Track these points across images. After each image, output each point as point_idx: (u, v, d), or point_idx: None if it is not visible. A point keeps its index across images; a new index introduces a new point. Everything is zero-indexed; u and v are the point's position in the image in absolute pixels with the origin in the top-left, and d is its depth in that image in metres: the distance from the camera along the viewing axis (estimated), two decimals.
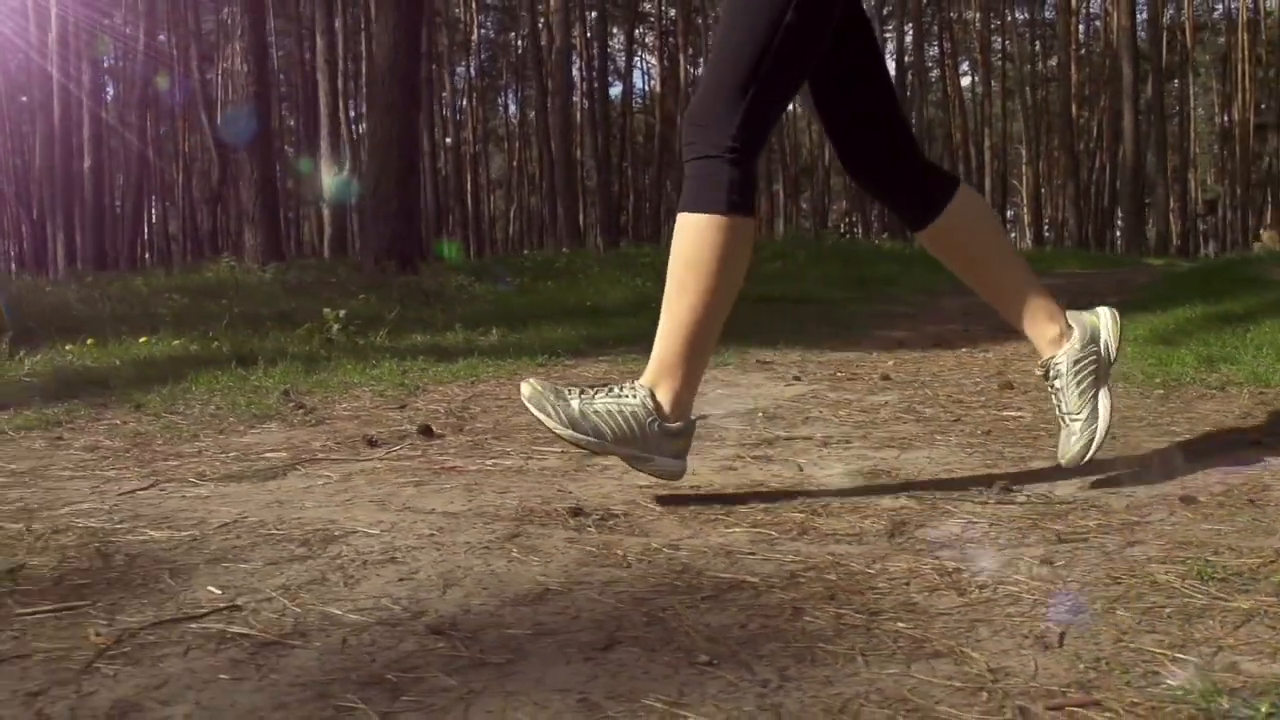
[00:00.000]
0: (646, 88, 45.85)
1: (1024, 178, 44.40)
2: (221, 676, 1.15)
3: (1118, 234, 33.30)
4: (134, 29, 30.87)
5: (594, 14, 33.37)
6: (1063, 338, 2.15)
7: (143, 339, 5.26)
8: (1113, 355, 2.17)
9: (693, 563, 1.60)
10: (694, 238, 1.94)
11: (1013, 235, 40.97)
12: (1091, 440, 2.10)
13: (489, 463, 2.41)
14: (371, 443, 2.70)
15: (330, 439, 2.81)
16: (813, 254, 11.12)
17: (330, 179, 18.11)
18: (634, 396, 1.93)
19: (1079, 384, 2.13)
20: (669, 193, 38.75)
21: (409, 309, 7.07)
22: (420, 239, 9.31)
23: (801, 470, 2.32)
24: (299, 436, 2.89)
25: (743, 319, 6.42)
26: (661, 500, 1.99)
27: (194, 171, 41.45)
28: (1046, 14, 41.37)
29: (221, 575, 1.53)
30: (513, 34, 44.57)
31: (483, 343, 5.11)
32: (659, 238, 37.10)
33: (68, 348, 5.20)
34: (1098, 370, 2.14)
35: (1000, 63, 40.32)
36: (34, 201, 30.31)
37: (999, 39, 41.63)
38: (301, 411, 3.27)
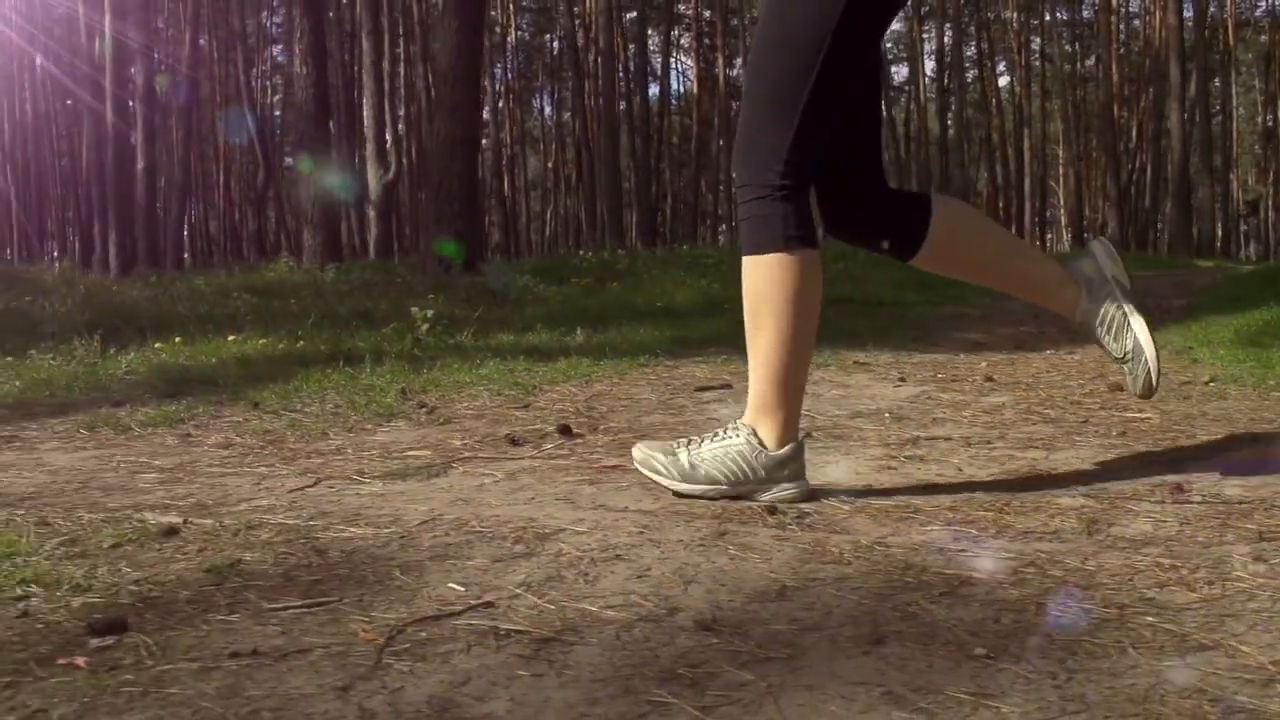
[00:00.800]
0: (682, 89, 45.88)
1: (1061, 179, 44.07)
2: (520, 673, 1.17)
3: (1158, 235, 32.99)
4: (178, 31, 31.25)
5: (630, 15, 33.44)
6: (1079, 298, 2.16)
7: (231, 337, 5.31)
8: (1125, 283, 2.16)
9: (910, 559, 1.61)
10: (760, 279, 1.95)
11: (1049, 238, 40.64)
12: (1150, 371, 2.11)
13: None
14: (514, 441, 2.72)
15: (467, 438, 2.83)
16: (873, 255, 11.07)
17: (376, 180, 18.21)
18: (737, 436, 1.98)
19: (1111, 331, 2.14)
20: (704, 194, 38.73)
21: (478, 308, 7.10)
22: (482, 240, 9.35)
23: (961, 470, 2.32)
24: (432, 435, 2.91)
25: (825, 320, 6.42)
26: (845, 497, 2.00)
27: (232, 173, 41.86)
28: (1084, 14, 41.04)
29: (454, 572, 1.54)
30: (548, 35, 44.70)
31: (571, 343, 5.13)
32: (695, 238, 37.08)
33: (157, 345, 5.27)
34: (1120, 308, 2.13)
35: (1039, 63, 40.01)
36: (81, 202, 30.74)
37: (1037, 39, 41.33)
38: (424, 410, 3.30)
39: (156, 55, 16.68)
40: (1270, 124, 41.12)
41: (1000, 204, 38.43)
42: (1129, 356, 2.12)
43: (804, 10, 1.91)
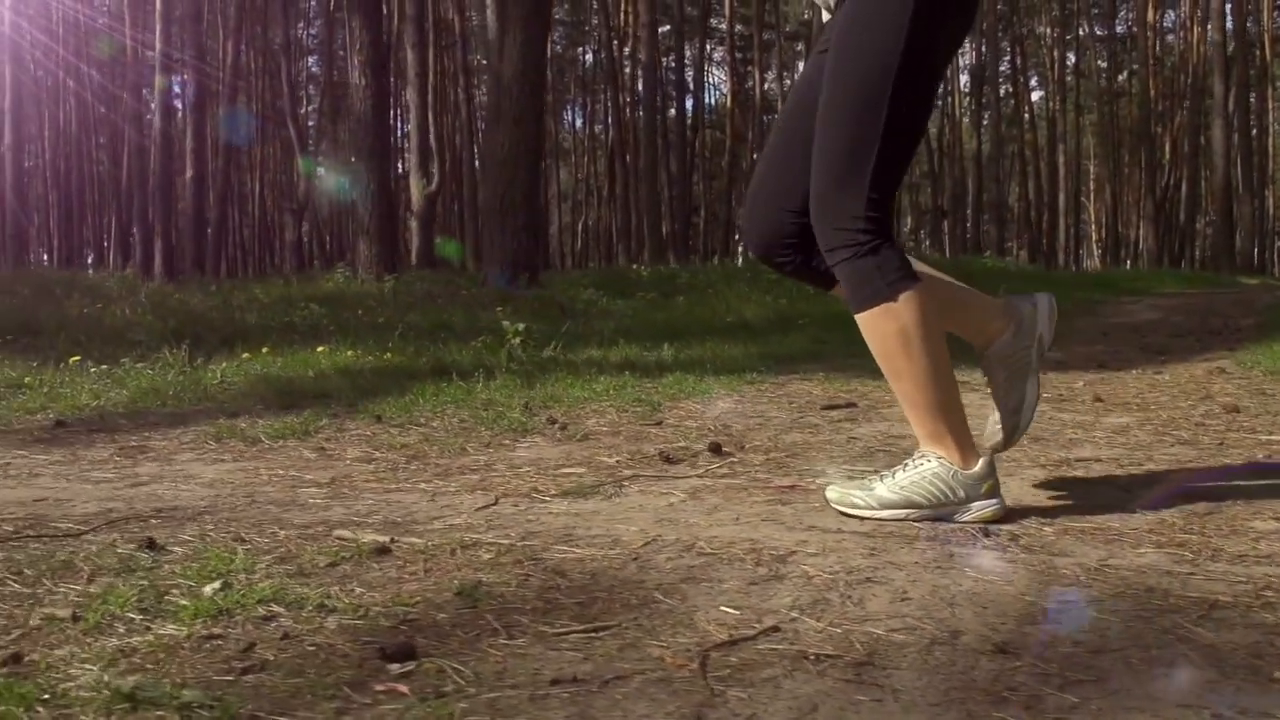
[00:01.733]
0: (714, 103, 45.92)
1: (1090, 195, 43.84)
2: (859, 698, 1.17)
3: (1195, 251, 32.74)
4: (214, 43, 31.53)
5: (663, 28, 33.49)
6: (1004, 332, 2.18)
7: (320, 349, 5.32)
8: (1047, 343, 2.21)
9: (1145, 582, 1.62)
10: (876, 333, 1.99)
11: (1081, 253, 40.35)
12: (1018, 429, 2.17)
13: (818, 481, 2.40)
14: (668, 459, 2.72)
15: (616, 455, 2.82)
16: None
17: (419, 191, 18.28)
18: (928, 461, 2.00)
19: (1010, 376, 2.17)
20: (735, 207, 38.77)
21: (552, 321, 7.10)
22: (544, 252, 9.34)
23: (1129, 491, 2.30)
24: (577, 452, 2.91)
25: None
26: (1039, 519, 2.00)
27: (265, 181, 42.11)
28: (1118, 29, 40.82)
29: (715, 596, 1.54)
30: (580, 48, 44.83)
31: (661, 358, 5.12)
32: (727, 252, 37.04)
33: (245, 355, 5.28)
34: (1030, 363, 2.18)
35: (1074, 79, 39.83)
36: (122, 210, 30.98)
37: (1070, 54, 41.15)
38: (557, 426, 3.29)
39: (206, 65, 16.77)
40: None
41: (1032, 219, 38.22)
42: (1008, 407, 2.15)
43: (865, 70, 1.94)
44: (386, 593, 1.60)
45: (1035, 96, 42.46)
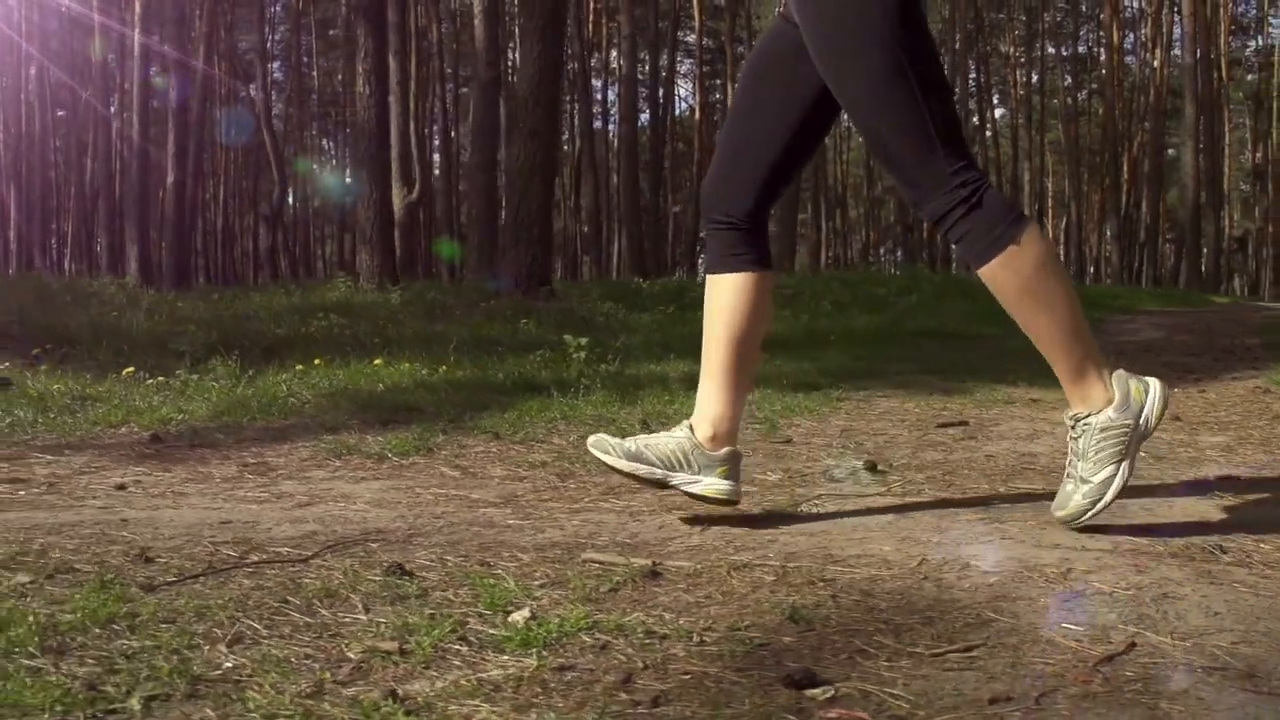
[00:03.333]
0: (679, 115, 46.04)
1: (1050, 213, 44.48)
2: None
3: (1157, 271, 33.30)
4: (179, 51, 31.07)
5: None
6: (714, 443, 2.17)
7: (377, 361, 5.24)
8: (683, 487, 2.18)
9: None
10: (1008, 279, 1.97)
11: None
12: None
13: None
14: (831, 478, 2.69)
15: (771, 473, 2.80)
16: (938, 288, 11.16)
17: (400, 200, 18.12)
18: (1096, 417, 1.97)
19: (668, 455, 2.17)
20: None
21: (575, 334, 7.06)
22: (552, 265, 9.30)
23: None
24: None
25: (942, 355, 6.41)
26: (1248, 535, 2.00)
27: (229, 188, 41.52)
28: (1080, 48, 41.54)
29: (1043, 613, 1.55)
30: None
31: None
32: (693, 266, 37.11)
33: (298, 366, 5.19)
34: (670, 467, 2.16)
35: (1039, 97, 40.42)
36: (82, 216, 30.41)
37: (1031, 73, 41.79)
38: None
39: (192, 69, 16.54)
40: (1258, 161, 41.66)
41: None
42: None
43: (866, 52, 1.94)
44: (698, 617, 1.56)
45: (998, 114, 43.06)
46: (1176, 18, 35.28)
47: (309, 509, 2.42)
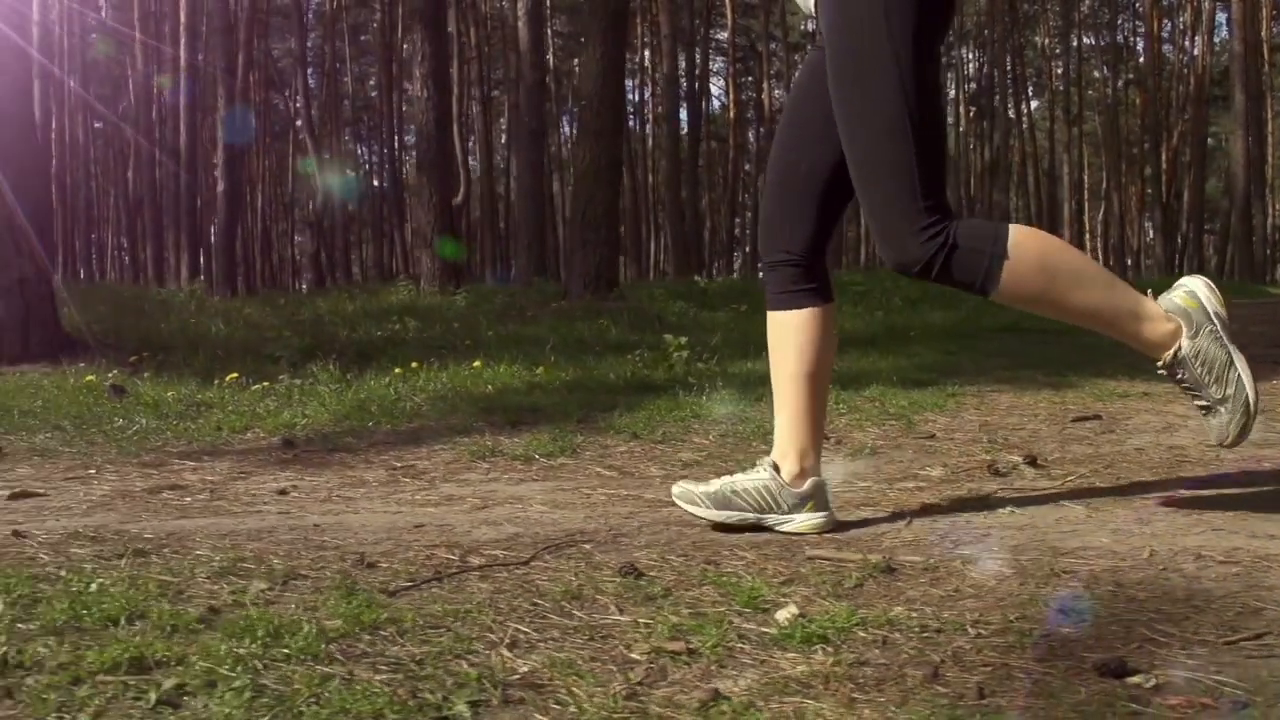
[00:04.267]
0: (712, 114, 45.97)
1: (1083, 205, 44.03)
2: None
3: (1200, 261, 32.90)
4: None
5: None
6: (799, 479, 2.11)
7: (475, 363, 5.26)
8: (777, 527, 2.12)
9: None
10: (1020, 290, 1.92)
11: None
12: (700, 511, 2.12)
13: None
14: (997, 472, 2.70)
15: (932, 468, 2.79)
16: None
17: None
18: (1184, 343, 1.91)
19: (742, 493, 2.14)
20: (738, 217, 38.96)
21: (652, 332, 7.06)
22: (621, 265, 9.31)
23: None
24: (885, 467, 2.88)
25: (1027, 351, 6.36)
26: None
27: (264, 195, 41.83)
28: (1118, 38, 41.09)
29: None
30: (577, 60, 44.79)
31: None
32: (731, 266, 37.11)
33: (397, 370, 5.21)
34: (760, 510, 2.12)
35: (1076, 89, 40.03)
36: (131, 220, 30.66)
37: (1068, 64, 41.41)
38: (830, 441, 3.25)
39: (238, 80, 16.69)
40: None
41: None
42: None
43: (867, 72, 1.92)
44: (958, 610, 1.56)
45: (1034, 105, 42.67)
46: (1218, 4, 34.94)
47: (489, 511, 2.43)
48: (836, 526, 2.13)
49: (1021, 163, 38.45)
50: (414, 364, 5.34)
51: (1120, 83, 40.49)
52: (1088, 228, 45.20)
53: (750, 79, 41.38)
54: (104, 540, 2.12)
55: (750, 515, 2.11)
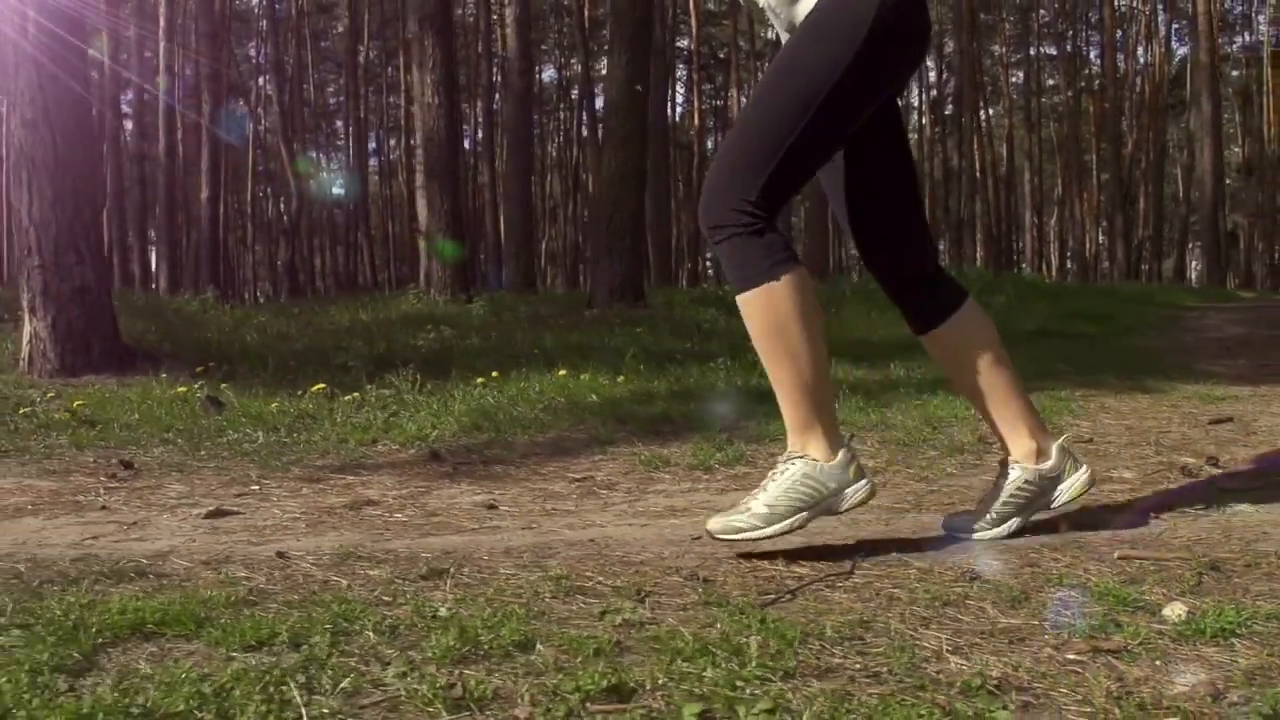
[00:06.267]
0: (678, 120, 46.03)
1: (1041, 211, 44.73)
2: None
3: (1159, 267, 33.54)
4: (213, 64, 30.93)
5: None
6: (1040, 456, 2.18)
7: (560, 371, 5.27)
8: (1055, 503, 2.20)
9: None
10: (757, 314, 2.02)
11: (1043, 266, 41.21)
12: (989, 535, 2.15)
13: None
14: (1189, 473, 2.77)
15: (1122, 469, 2.86)
16: (1021, 290, 11.28)
17: (426, 211, 18.06)
18: (793, 465, 2.04)
19: (1007, 501, 2.17)
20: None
21: (690, 340, 7.09)
22: (647, 273, 9.33)
23: None
24: None
25: (1081, 355, 6.47)
26: None
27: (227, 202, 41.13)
28: (1068, 47, 41.85)
29: None
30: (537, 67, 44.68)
31: (897, 376, 5.16)
32: (697, 273, 37.19)
33: (479, 380, 5.20)
34: (1030, 502, 2.17)
35: (1035, 98, 40.71)
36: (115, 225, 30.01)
37: (1020, 73, 42.12)
38: (979, 444, 3.33)
39: (222, 84, 16.46)
40: (1245, 156, 42.06)
41: (995, 234, 39.00)
42: (990, 520, 2.14)
43: (811, 63, 2.00)
44: None
45: (991, 113, 43.27)
46: (1162, 14, 35.75)
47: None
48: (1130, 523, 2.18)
49: (982, 171, 38.99)
50: (494, 374, 5.33)
51: (1071, 92, 41.22)
52: (1034, 233, 45.93)
53: (710, 86, 41.59)
54: (382, 561, 2.07)
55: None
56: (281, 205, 29.24)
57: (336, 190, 31.38)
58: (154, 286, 17.36)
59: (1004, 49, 40.98)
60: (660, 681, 1.37)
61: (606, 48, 33.56)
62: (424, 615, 1.67)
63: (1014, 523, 2.17)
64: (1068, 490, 2.17)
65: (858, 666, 1.43)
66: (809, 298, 2.01)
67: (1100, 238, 38.55)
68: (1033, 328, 7.94)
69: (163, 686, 1.36)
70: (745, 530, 2.02)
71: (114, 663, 1.50)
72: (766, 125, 2.00)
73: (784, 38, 2.16)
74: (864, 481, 2.07)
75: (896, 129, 2.20)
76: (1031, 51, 41.44)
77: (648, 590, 1.83)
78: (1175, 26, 37.34)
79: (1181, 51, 37.81)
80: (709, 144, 40.94)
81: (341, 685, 1.37)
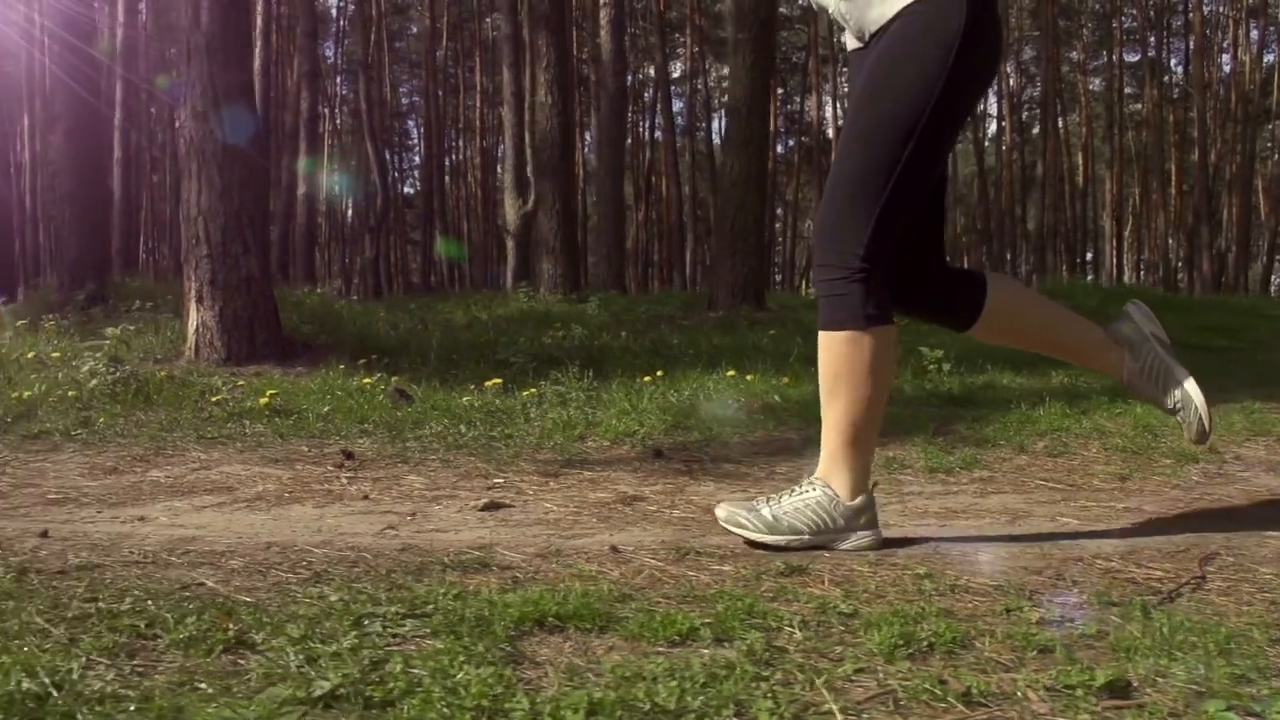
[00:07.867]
0: None
1: (1109, 220, 44.07)
2: None
3: (1247, 279, 32.86)
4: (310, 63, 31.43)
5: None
6: (1124, 360, 2.24)
7: (729, 372, 5.27)
8: (1164, 339, 2.27)
9: None
10: (836, 354, 2.08)
11: (1122, 277, 40.55)
12: (1201, 417, 2.20)
13: None
14: None
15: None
16: (1101, 299, 11.11)
17: (514, 211, 18.19)
18: (814, 490, 2.12)
19: (1159, 384, 2.23)
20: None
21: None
22: (769, 277, 9.32)
23: None
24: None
25: (1223, 368, 6.32)
26: None
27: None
28: (1149, 53, 41.19)
29: None
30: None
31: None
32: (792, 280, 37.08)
33: (645, 379, 5.21)
34: (1163, 362, 2.22)
35: (1117, 105, 40.11)
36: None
37: (1100, 80, 41.50)
38: (1208, 449, 3.30)
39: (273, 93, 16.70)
40: None
41: (1073, 243, 38.50)
42: (1179, 406, 2.22)
43: (896, 104, 2.01)
44: None
45: (1067, 120, 42.71)
46: (1253, 22, 35.07)
47: (1026, 523, 2.45)
48: None
49: (1057, 179, 38.47)
50: (660, 372, 5.33)
51: (1146, 103, 40.58)
52: (1111, 241, 45.27)
53: (781, 91, 41.49)
54: (725, 557, 2.08)
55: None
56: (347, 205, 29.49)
57: (408, 190, 31.68)
58: None
59: (1083, 56, 40.38)
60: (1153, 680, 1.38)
61: (680, 50, 33.67)
62: (835, 612, 1.67)
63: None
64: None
65: None
66: (888, 357, 2.08)
67: (1175, 249, 37.82)
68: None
69: (618, 681, 1.37)
70: (745, 528, 2.14)
71: (537, 654, 1.50)
72: (866, 175, 2.04)
73: (850, 44, 2.20)
74: (871, 531, 2.13)
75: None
76: (1112, 57, 40.81)
77: (1037, 591, 1.83)
78: (1265, 32, 36.60)
79: (1268, 59, 37.07)
80: (777, 149, 40.91)
81: (825, 680, 1.38)
